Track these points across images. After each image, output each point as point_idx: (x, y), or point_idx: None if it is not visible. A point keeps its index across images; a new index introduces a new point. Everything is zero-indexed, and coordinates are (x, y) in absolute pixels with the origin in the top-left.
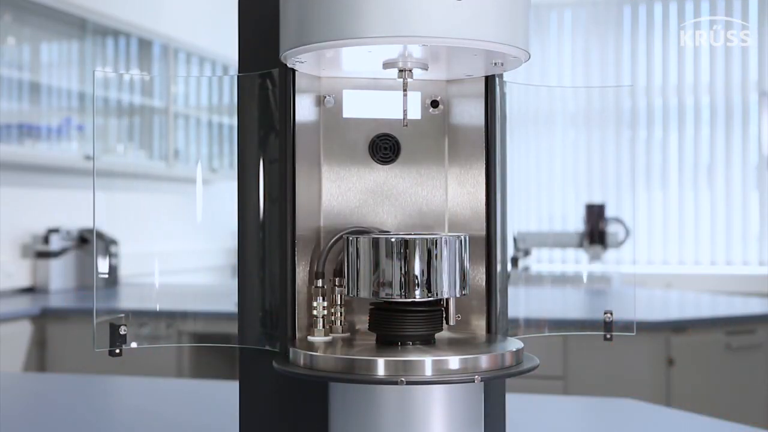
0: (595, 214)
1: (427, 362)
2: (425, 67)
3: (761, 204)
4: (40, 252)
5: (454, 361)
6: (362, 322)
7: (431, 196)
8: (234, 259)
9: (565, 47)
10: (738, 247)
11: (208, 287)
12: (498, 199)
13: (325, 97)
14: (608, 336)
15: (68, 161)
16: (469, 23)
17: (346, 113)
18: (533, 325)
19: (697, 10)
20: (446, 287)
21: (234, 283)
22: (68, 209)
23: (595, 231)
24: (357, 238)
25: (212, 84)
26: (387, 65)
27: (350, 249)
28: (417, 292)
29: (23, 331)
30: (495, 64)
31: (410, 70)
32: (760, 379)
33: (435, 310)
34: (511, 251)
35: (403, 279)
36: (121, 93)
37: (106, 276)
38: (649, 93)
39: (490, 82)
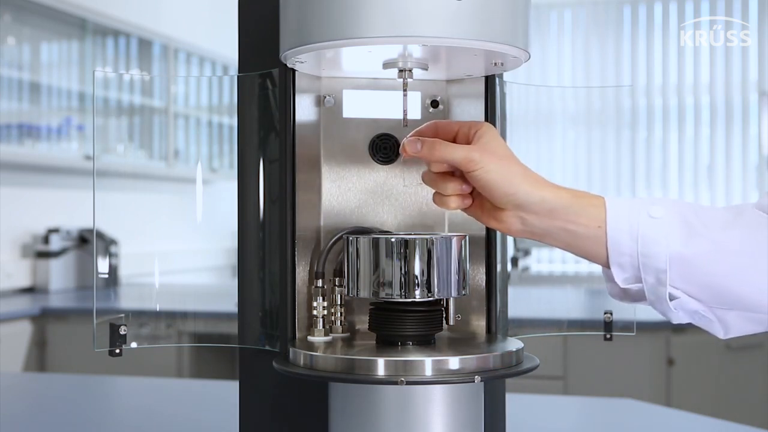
0: None
1: (427, 362)
2: (425, 67)
3: None
4: (40, 252)
5: (454, 361)
6: (362, 322)
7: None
8: (234, 259)
9: (565, 47)
10: None
11: (208, 287)
12: None
13: (325, 97)
14: (608, 336)
15: (68, 161)
16: (469, 23)
17: (346, 113)
18: (533, 325)
19: (697, 10)
20: (446, 287)
21: (234, 283)
22: (68, 209)
23: None
24: (357, 238)
25: (212, 84)
26: (387, 65)
27: (350, 249)
28: (417, 292)
29: (23, 331)
30: (495, 64)
31: (410, 70)
32: (760, 379)
33: (435, 310)
34: (511, 251)
35: (403, 279)
36: (121, 93)
37: (106, 276)
38: (649, 93)
39: (490, 82)
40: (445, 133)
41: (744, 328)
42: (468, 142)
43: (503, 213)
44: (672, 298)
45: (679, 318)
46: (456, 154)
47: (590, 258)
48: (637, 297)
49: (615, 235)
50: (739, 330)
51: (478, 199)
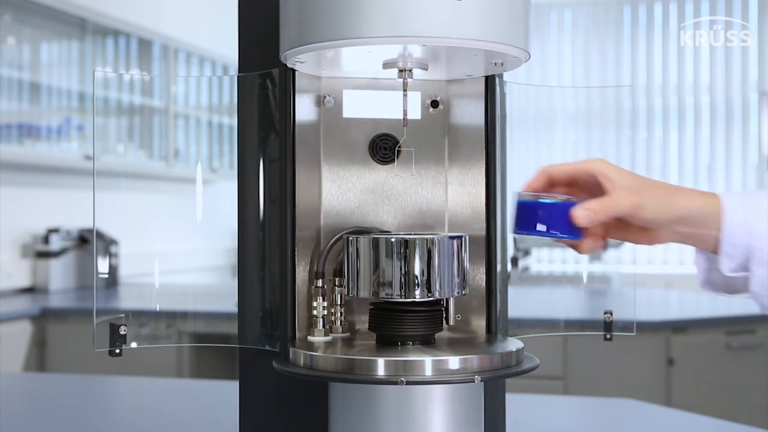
0: None
1: (427, 362)
2: (425, 67)
3: None
4: (40, 252)
5: (454, 361)
6: (362, 322)
7: (431, 196)
8: (234, 259)
9: (565, 47)
10: None
11: (208, 287)
12: (498, 199)
13: (325, 97)
14: (608, 336)
15: (68, 161)
16: (469, 23)
17: (346, 113)
18: (533, 325)
19: (697, 10)
20: (446, 287)
21: (234, 283)
22: (68, 209)
23: None
24: (357, 238)
25: (212, 84)
26: (387, 65)
27: (350, 249)
28: (417, 292)
29: (23, 331)
30: (495, 64)
31: (410, 70)
32: (760, 379)
33: (435, 310)
34: (511, 251)
35: (403, 279)
36: (121, 93)
37: (106, 276)
38: (649, 93)
39: (490, 82)
40: (560, 178)
41: None
42: (591, 182)
43: (656, 230)
44: None
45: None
46: (623, 206)
47: (705, 248)
48: (736, 288)
49: (730, 228)
50: None
51: (622, 224)
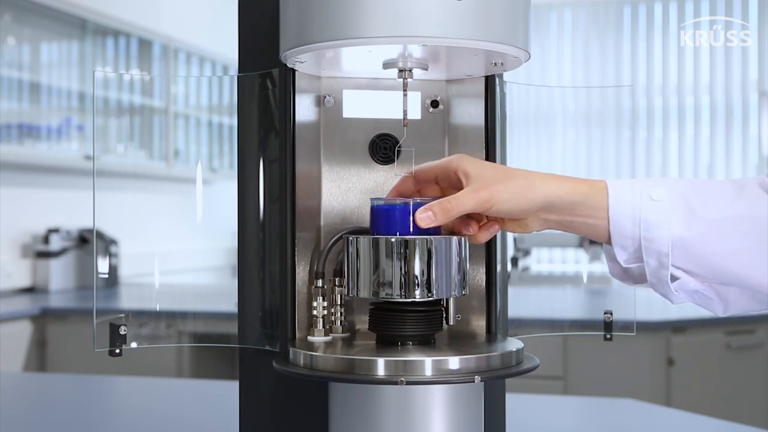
0: None
1: (427, 362)
2: (425, 67)
3: None
4: (40, 252)
5: (454, 361)
6: (362, 322)
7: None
8: (234, 259)
9: (565, 47)
10: None
11: (208, 287)
12: None
13: (325, 97)
14: (608, 336)
15: (68, 161)
16: (469, 23)
17: (346, 113)
18: (533, 325)
19: (697, 10)
20: (446, 287)
21: (234, 283)
22: (68, 209)
23: None
24: (357, 238)
25: (212, 84)
26: (387, 65)
27: (350, 249)
28: (417, 292)
29: (23, 331)
30: (495, 64)
31: (410, 70)
32: (760, 379)
33: (435, 310)
34: (511, 251)
35: (403, 279)
36: (121, 93)
37: (106, 276)
38: (649, 93)
39: (490, 82)
40: (426, 179)
41: (744, 305)
42: (452, 179)
43: (524, 219)
44: (673, 279)
45: (679, 299)
46: (468, 203)
47: (591, 237)
48: (638, 278)
49: (617, 218)
50: (739, 307)
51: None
